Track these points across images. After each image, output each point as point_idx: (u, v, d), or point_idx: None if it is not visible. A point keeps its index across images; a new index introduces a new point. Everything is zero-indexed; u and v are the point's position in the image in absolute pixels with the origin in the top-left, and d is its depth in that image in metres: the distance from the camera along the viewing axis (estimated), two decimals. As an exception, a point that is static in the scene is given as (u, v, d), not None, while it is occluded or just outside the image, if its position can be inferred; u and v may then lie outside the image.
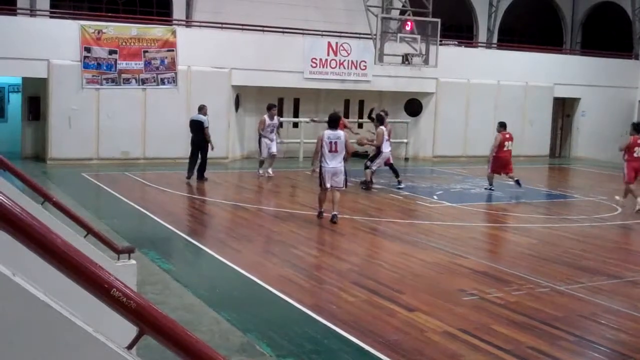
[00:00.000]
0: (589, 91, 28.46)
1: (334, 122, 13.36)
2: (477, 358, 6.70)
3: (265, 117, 19.40)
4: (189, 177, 17.85)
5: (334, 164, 13.08)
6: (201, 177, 18.01)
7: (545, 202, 16.98)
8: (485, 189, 18.21)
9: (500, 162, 17.91)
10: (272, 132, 19.54)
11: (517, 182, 17.93)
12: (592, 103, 28.60)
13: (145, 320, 2.05)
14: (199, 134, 17.93)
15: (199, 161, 18.04)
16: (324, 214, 13.44)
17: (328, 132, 13.23)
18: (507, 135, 18.12)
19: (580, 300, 8.85)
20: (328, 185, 13.14)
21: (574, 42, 32.54)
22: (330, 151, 13.02)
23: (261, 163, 19.63)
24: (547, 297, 8.90)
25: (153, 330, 2.06)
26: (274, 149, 19.60)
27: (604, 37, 31.61)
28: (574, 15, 32.39)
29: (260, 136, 19.40)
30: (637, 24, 29.56)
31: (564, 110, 29.66)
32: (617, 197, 16.54)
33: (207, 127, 17.96)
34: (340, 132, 13.27)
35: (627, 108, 29.46)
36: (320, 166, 13.24)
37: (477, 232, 13.82)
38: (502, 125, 18.33)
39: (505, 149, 17.93)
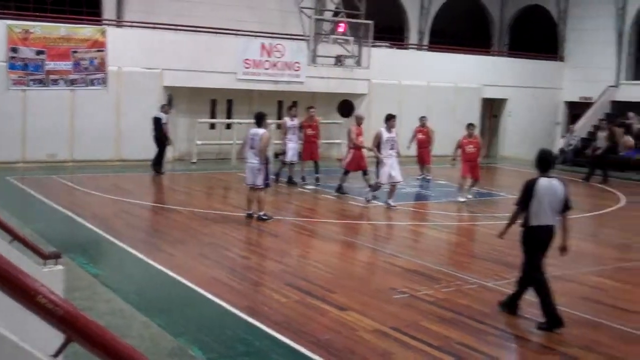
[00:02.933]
0: (516, 92, 29.23)
1: (258, 120, 13.54)
2: (408, 355, 6.83)
3: (382, 130, 15.74)
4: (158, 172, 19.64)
5: (252, 160, 13.34)
6: (155, 169, 19.68)
7: (474, 201, 17.32)
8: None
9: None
10: (392, 148, 15.54)
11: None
12: (519, 104, 29.37)
13: (72, 327, 2.04)
14: (157, 130, 19.60)
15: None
16: (253, 215, 13.54)
17: (251, 130, 13.56)
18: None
19: (506, 295, 9.08)
20: (247, 182, 13.53)
21: (501, 44, 33.30)
22: (250, 148, 13.32)
23: (376, 187, 15.90)
24: (475, 293, 9.13)
25: (80, 337, 2.05)
26: (397, 176, 15.51)
27: (531, 39, 32.46)
28: (502, 18, 33.16)
29: (378, 161, 15.54)
30: (562, 27, 30.48)
31: (491, 110, 30.35)
32: (461, 199, 16.91)
33: (165, 124, 19.65)
34: (260, 130, 13.32)
35: (553, 108, 30.40)
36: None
37: (408, 231, 14.04)
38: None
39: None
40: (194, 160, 22.84)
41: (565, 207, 8.02)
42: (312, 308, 8.18)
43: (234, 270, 9.84)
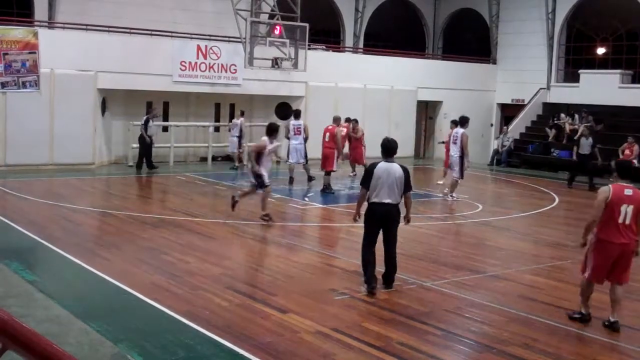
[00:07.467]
0: (451, 94, 29.70)
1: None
2: (350, 356, 6.85)
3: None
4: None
5: None
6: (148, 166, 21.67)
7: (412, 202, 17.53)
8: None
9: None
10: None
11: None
12: (454, 106, 29.80)
13: (8, 334, 1.98)
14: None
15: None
16: None
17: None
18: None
19: (445, 295, 9.23)
20: None
21: (435, 48, 33.81)
22: None
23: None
24: (415, 293, 9.23)
25: (16, 345, 2.00)
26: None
27: (464, 42, 33.04)
28: (435, 21, 33.67)
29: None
30: (494, 30, 31.12)
31: (427, 112, 30.78)
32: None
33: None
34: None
35: (486, 110, 30.99)
36: None
37: (347, 232, 14.08)
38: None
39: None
40: (131, 164, 22.48)
41: (406, 188, 9.22)
42: (253, 311, 8.13)
43: (173, 275, 9.71)
